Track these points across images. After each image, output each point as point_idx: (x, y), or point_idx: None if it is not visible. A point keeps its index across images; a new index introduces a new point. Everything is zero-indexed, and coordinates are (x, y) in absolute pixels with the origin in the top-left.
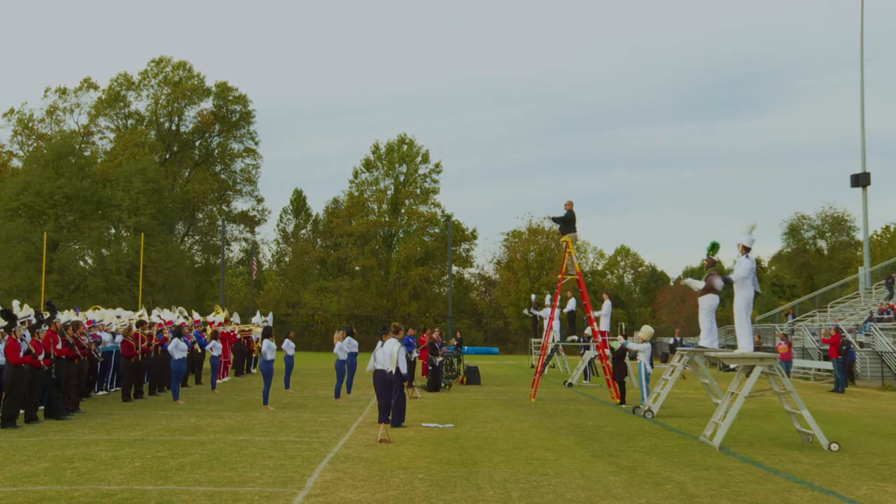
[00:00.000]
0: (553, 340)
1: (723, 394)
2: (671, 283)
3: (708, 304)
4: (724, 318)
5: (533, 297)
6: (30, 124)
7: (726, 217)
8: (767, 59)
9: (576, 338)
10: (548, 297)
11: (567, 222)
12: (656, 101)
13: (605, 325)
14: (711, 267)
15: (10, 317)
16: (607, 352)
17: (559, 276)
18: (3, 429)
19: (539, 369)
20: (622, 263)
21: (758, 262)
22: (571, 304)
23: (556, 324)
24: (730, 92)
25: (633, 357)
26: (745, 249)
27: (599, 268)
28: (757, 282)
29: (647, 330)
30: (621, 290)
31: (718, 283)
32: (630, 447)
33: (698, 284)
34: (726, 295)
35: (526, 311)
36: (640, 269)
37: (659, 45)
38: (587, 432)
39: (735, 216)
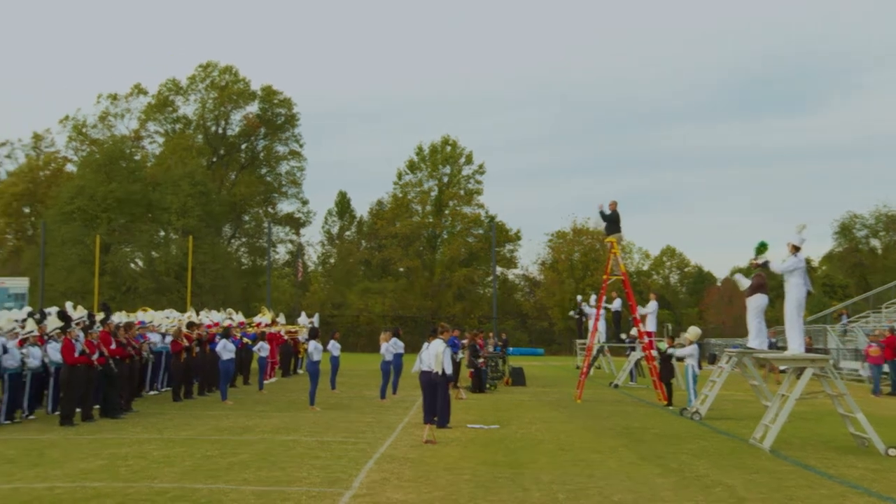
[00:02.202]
0: (598, 341)
1: (772, 396)
2: (718, 284)
3: (756, 304)
4: (773, 318)
5: (578, 297)
6: (83, 130)
7: (775, 216)
8: (816, 55)
9: (624, 337)
10: (592, 297)
11: (612, 222)
12: (703, 98)
13: (651, 325)
14: (759, 267)
15: (66, 318)
16: (654, 353)
17: (604, 277)
18: (62, 427)
19: (585, 370)
20: (668, 263)
21: (808, 261)
22: (617, 305)
23: (601, 324)
24: (778, 89)
25: (681, 358)
26: (795, 249)
27: (645, 268)
28: (809, 281)
29: (694, 331)
30: (667, 290)
31: (774, 266)
32: (678, 449)
33: (746, 283)
34: (776, 295)
35: (572, 313)
36: (686, 270)
37: (704, 42)
38: (634, 434)
39: (784, 215)
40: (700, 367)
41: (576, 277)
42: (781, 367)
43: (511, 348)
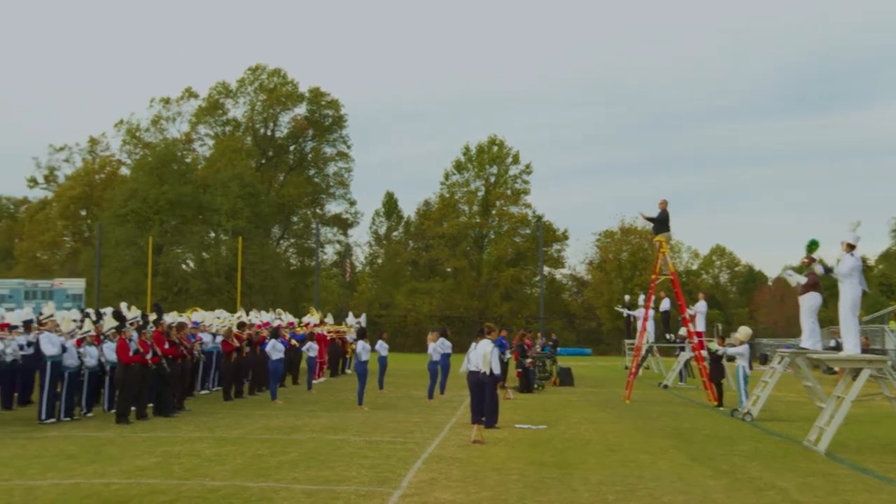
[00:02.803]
0: (647, 341)
1: (827, 397)
2: (769, 283)
3: (809, 303)
4: (827, 318)
5: (626, 297)
6: (137, 134)
7: (828, 214)
8: (868, 49)
9: (670, 337)
10: (641, 297)
11: (661, 222)
12: (753, 95)
13: (700, 325)
14: (811, 265)
15: (121, 318)
16: (704, 353)
17: (653, 276)
18: (118, 424)
19: (633, 370)
20: (717, 263)
21: (863, 260)
22: (665, 305)
23: (650, 324)
24: (830, 85)
25: (731, 359)
26: (850, 247)
27: (694, 267)
28: (864, 280)
29: (744, 331)
30: (717, 289)
31: (819, 269)
32: (729, 451)
33: (798, 279)
34: (829, 294)
35: (618, 308)
36: (736, 269)
37: (754, 38)
38: (684, 435)
39: (837, 213)
40: (751, 367)
41: (624, 277)
42: (836, 368)
43: (559, 348)
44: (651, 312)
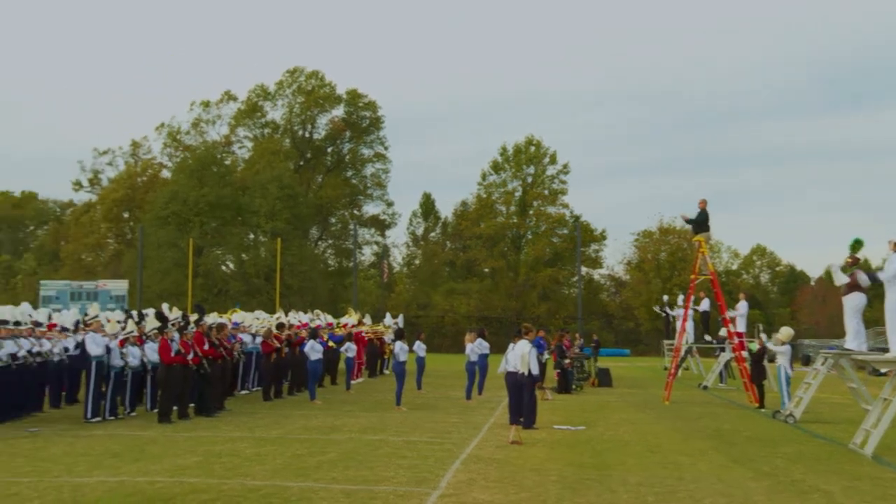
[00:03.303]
0: (686, 342)
1: (873, 399)
2: (812, 283)
3: (854, 303)
4: (873, 319)
5: (665, 297)
6: (177, 137)
7: (871, 213)
8: None
9: (708, 338)
10: (680, 297)
11: (700, 222)
12: (794, 93)
13: (741, 326)
14: (855, 265)
15: (163, 318)
16: (744, 354)
17: (692, 277)
18: (160, 424)
19: (673, 371)
20: (758, 263)
21: None
22: (705, 305)
23: (689, 325)
24: (870, 82)
25: (773, 359)
26: None
27: (734, 267)
28: None
29: (786, 331)
30: (758, 290)
31: (864, 279)
32: (771, 453)
33: (841, 278)
34: (874, 295)
35: (657, 309)
36: (777, 269)
37: (792, 36)
38: (724, 436)
39: (880, 212)
40: (793, 368)
41: (662, 277)
42: (883, 370)
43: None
44: (690, 313)
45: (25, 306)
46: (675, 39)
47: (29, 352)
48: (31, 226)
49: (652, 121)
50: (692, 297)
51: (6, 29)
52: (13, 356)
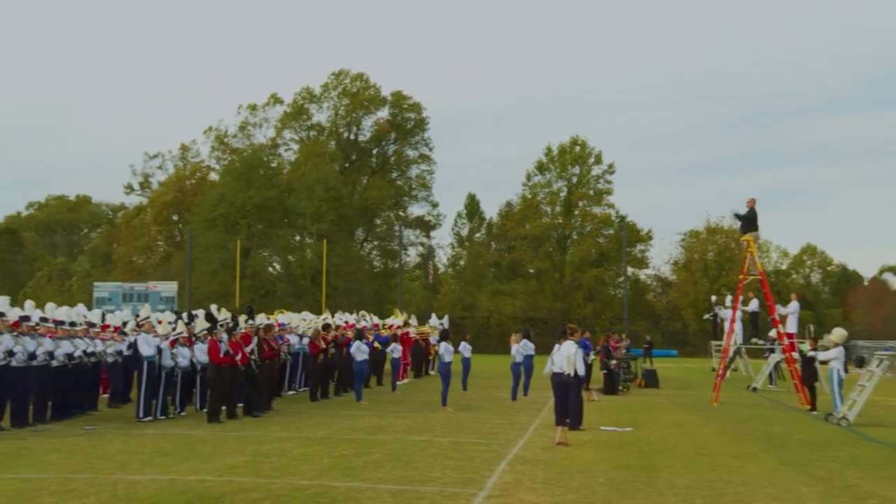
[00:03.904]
0: (735, 343)
1: None
2: (865, 283)
3: None
4: None
5: (713, 298)
6: (225, 140)
7: None
8: None
9: (758, 339)
10: (728, 297)
11: (749, 221)
12: (843, 90)
13: (792, 326)
14: None
15: (213, 319)
16: (795, 355)
17: (740, 277)
18: (209, 423)
19: (721, 373)
20: (808, 262)
21: None
22: (754, 305)
23: (737, 325)
24: None
25: (824, 361)
26: None
27: (784, 267)
28: None
29: (839, 332)
30: (808, 290)
31: None
32: (824, 456)
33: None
34: None
35: (707, 316)
36: (829, 269)
37: (841, 33)
38: (775, 439)
39: None
40: (846, 370)
41: (710, 277)
42: None
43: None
44: (738, 314)
45: (80, 307)
46: (726, 38)
47: (84, 352)
48: (85, 229)
49: (699, 120)
50: (740, 298)
51: (62, 37)
52: (69, 356)
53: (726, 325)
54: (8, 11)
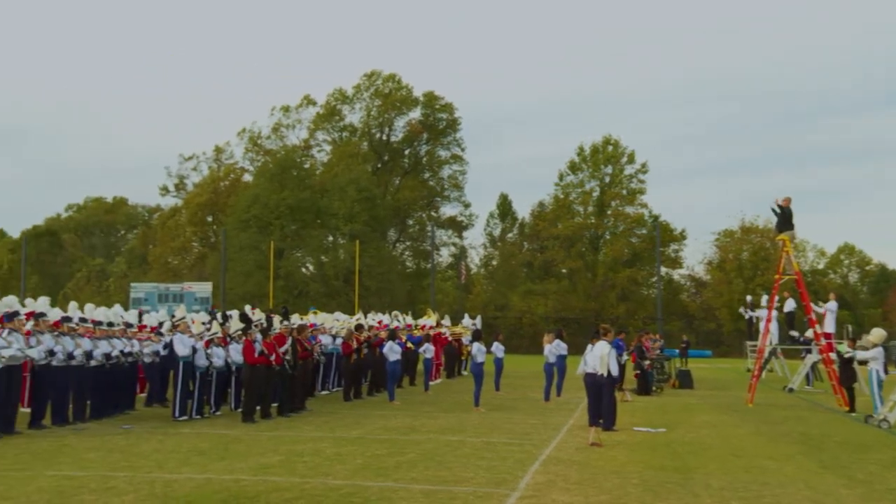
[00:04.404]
0: (770, 343)
1: None
2: None
3: None
4: None
5: (748, 297)
6: (258, 141)
7: None
8: None
9: (796, 334)
10: (764, 297)
11: (784, 220)
12: (879, 87)
13: (830, 326)
14: None
15: (247, 320)
16: (833, 356)
17: (776, 276)
18: (244, 423)
19: (756, 373)
20: (846, 262)
21: None
22: (790, 305)
23: (773, 326)
24: None
25: (863, 362)
26: None
27: (820, 267)
28: None
29: (878, 333)
30: (846, 290)
31: None
32: (864, 459)
33: None
34: None
35: (741, 311)
36: (867, 268)
37: (879, 28)
38: (812, 441)
39: None
40: (886, 371)
41: (745, 277)
42: None
43: (675, 350)
44: (774, 313)
45: (117, 308)
46: (759, 37)
47: (121, 352)
48: (122, 230)
49: (733, 118)
50: (776, 298)
51: (97, 42)
52: (107, 356)
53: (762, 325)
54: (50, 12)
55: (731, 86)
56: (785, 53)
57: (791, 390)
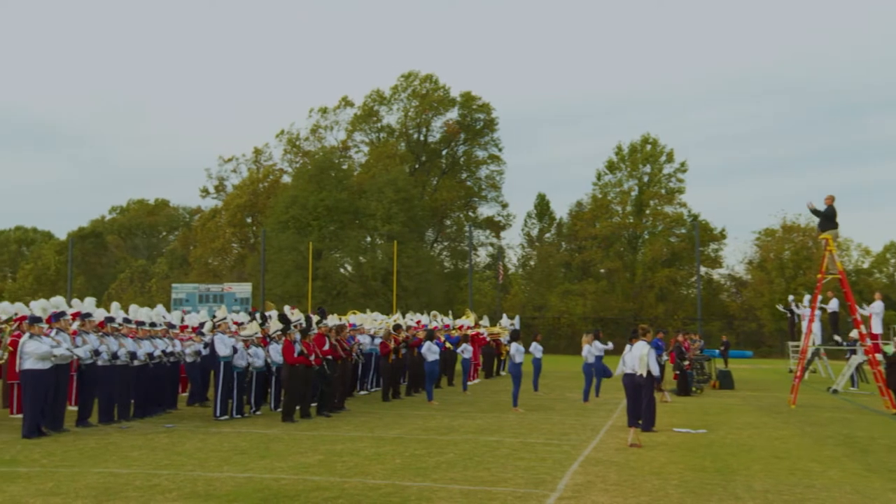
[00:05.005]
0: (813, 343)
1: None
2: None
3: None
4: None
5: (790, 297)
6: (297, 143)
7: None
8: None
9: (838, 339)
10: (806, 297)
11: (827, 218)
12: None
13: (877, 327)
14: None
15: (286, 320)
16: (879, 357)
17: (819, 276)
18: (283, 423)
19: (799, 374)
20: (892, 261)
21: None
22: (833, 305)
23: (816, 326)
24: None
25: None
26: None
27: (865, 266)
28: None
29: None
30: (893, 289)
31: None
32: None
33: None
34: None
35: (781, 307)
36: None
37: None
38: (858, 443)
39: None
40: None
41: (786, 277)
42: None
43: (716, 351)
44: (817, 313)
45: (160, 308)
46: (798, 33)
47: (163, 352)
48: (163, 232)
49: (772, 116)
50: (819, 297)
51: (141, 48)
52: (150, 356)
53: (804, 325)
54: (90, 17)
55: (770, 82)
56: (825, 49)
57: (835, 391)
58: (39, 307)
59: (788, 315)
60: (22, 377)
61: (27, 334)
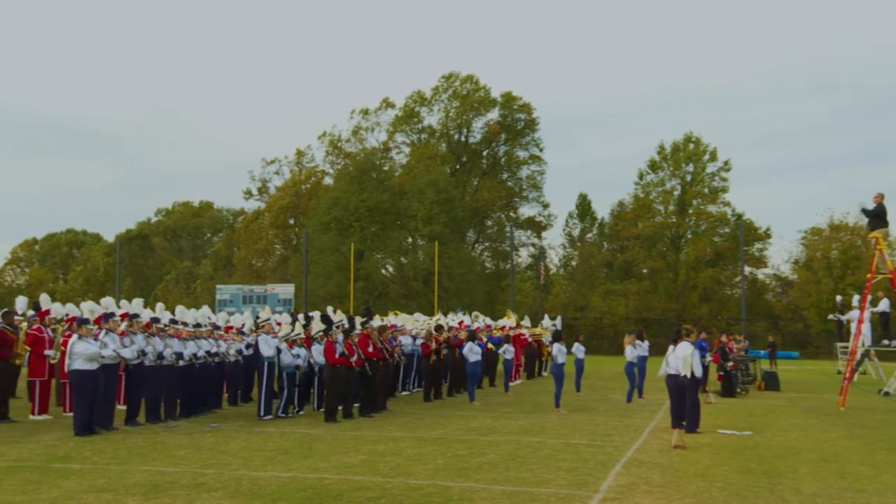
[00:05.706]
0: (863, 345)
1: None
2: None
3: None
4: None
5: (838, 298)
6: (338, 144)
7: None
8: None
9: (886, 342)
10: (855, 298)
11: (877, 216)
12: None
13: None
14: None
15: (328, 321)
16: None
17: (868, 275)
18: (326, 423)
19: (848, 376)
20: None
21: None
22: (884, 305)
23: (865, 326)
24: None
25: None
26: None
27: None
28: None
29: None
30: None
31: None
32: None
33: None
34: None
35: (831, 316)
36: None
37: None
38: None
39: None
40: None
41: (834, 276)
42: None
43: (763, 352)
44: (867, 314)
45: (205, 309)
46: (843, 29)
47: (208, 352)
48: (207, 233)
49: (817, 114)
50: (868, 297)
51: (183, 50)
52: (195, 356)
53: (853, 325)
54: (134, 21)
55: (815, 80)
56: (871, 45)
57: (887, 394)
58: (88, 308)
59: (835, 317)
60: (70, 377)
61: (76, 335)
